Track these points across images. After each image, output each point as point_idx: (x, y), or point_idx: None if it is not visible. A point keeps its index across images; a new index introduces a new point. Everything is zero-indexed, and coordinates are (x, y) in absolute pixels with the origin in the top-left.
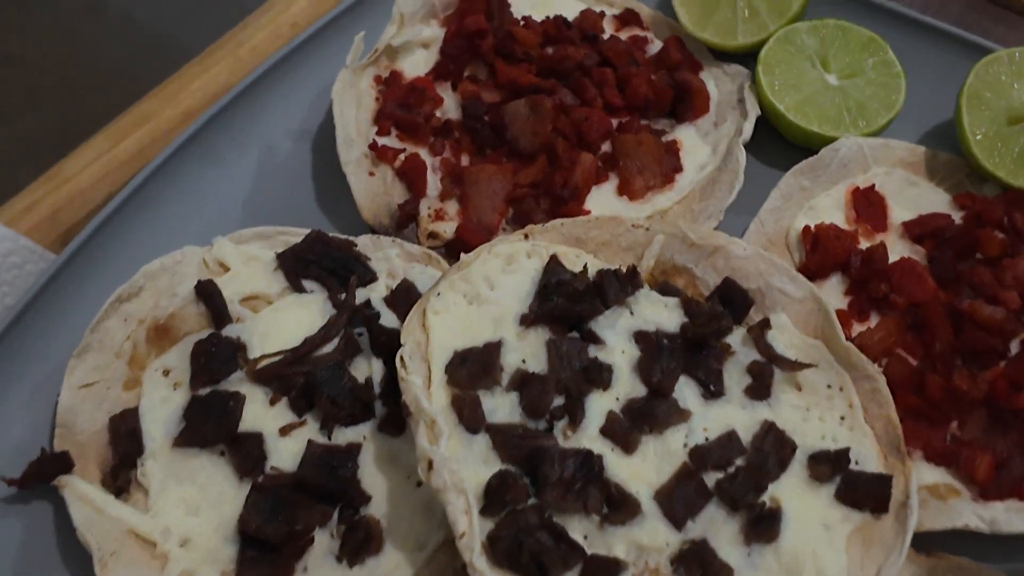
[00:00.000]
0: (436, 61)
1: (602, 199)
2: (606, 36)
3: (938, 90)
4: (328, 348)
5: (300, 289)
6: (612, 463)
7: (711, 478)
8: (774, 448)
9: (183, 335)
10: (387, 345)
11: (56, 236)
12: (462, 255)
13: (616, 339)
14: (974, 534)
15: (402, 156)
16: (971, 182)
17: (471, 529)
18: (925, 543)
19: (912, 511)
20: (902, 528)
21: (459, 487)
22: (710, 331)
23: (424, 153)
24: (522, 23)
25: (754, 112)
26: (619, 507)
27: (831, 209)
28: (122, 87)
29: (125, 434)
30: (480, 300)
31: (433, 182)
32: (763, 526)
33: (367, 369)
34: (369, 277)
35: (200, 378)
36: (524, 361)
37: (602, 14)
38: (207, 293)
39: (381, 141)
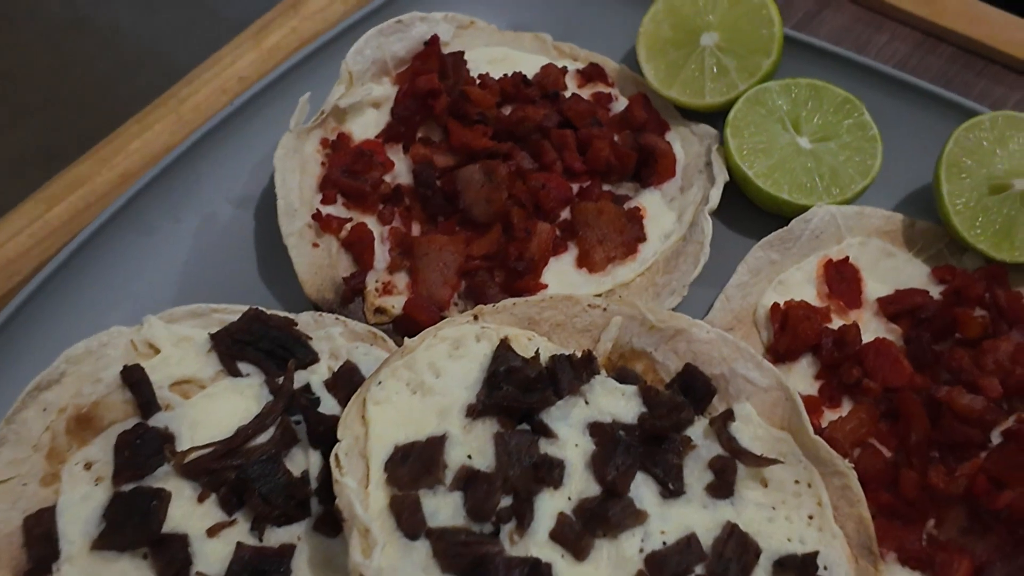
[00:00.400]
0: (387, 122)
1: (561, 271)
2: (568, 93)
3: (917, 153)
4: (263, 438)
5: (235, 373)
6: (562, 571)
7: None
8: (736, 553)
9: (107, 425)
10: (326, 435)
11: None
12: (406, 340)
13: (569, 432)
14: None
15: (348, 226)
16: (951, 252)
17: None
18: None
19: None
20: None
21: None
22: (669, 424)
23: (372, 222)
24: (478, 81)
25: (722, 178)
26: None
27: (802, 284)
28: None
29: (40, 536)
30: (424, 389)
31: (381, 253)
32: None
33: (305, 461)
34: (310, 359)
35: (123, 473)
36: (470, 457)
37: (564, 69)
38: (133, 379)
39: (326, 210)
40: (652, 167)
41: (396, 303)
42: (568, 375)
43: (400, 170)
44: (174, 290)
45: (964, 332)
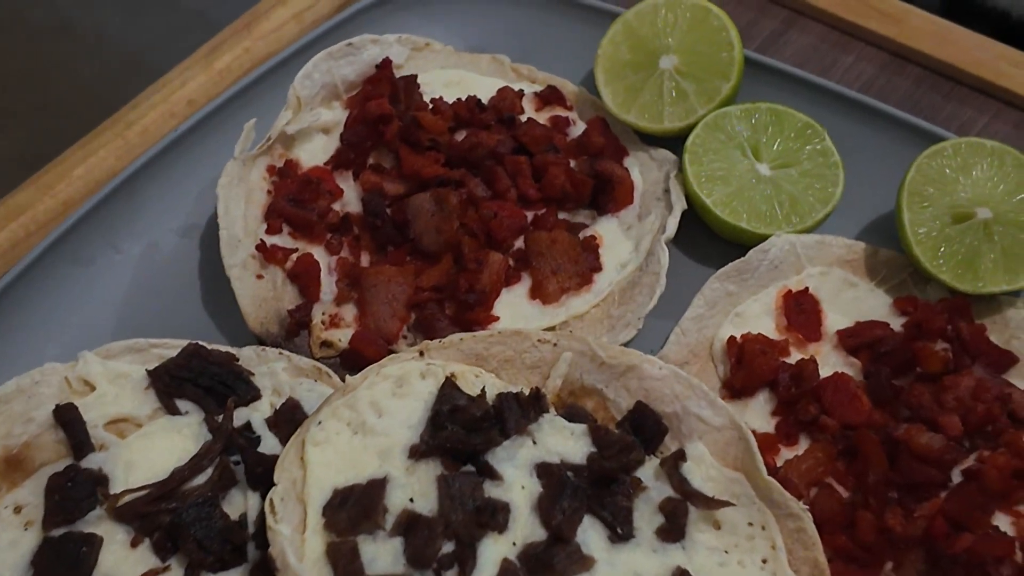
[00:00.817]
0: (337, 148)
1: (513, 303)
2: (525, 118)
3: (881, 179)
4: (200, 480)
5: (174, 410)
6: None
7: None
8: None
9: (39, 466)
10: (265, 476)
11: None
12: (348, 378)
13: (515, 473)
14: None
15: (294, 256)
16: (915, 282)
17: None
18: None
19: None
20: None
21: None
22: (619, 465)
23: (319, 252)
24: (431, 106)
25: (679, 206)
26: None
27: (760, 315)
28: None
29: None
30: (366, 430)
31: (328, 285)
32: None
33: (243, 504)
34: (251, 395)
35: (54, 517)
36: (412, 500)
37: (521, 93)
38: (66, 419)
39: (271, 240)
40: (609, 194)
41: (343, 336)
42: (515, 414)
43: (350, 198)
44: (113, 323)
45: (925, 367)
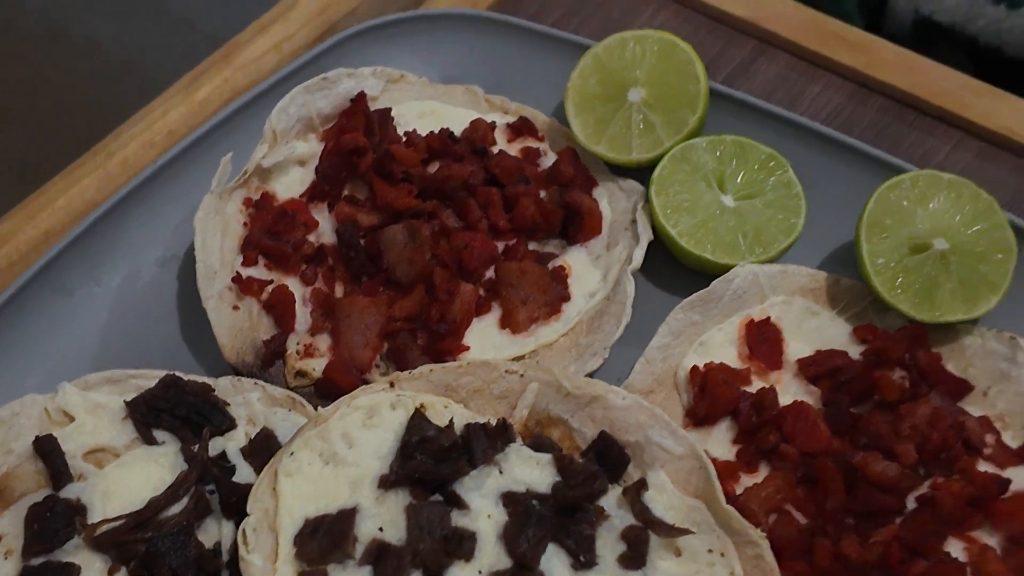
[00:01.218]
0: (312, 180)
1: (484, 332)
2: (497, 149)
3: (844, 209)
4: (176, 509)
5: (151, 441)
6: None
7: None
8: None
9: (18, 497)
10: (239, 505)
11: None
12: (320, 409)
13: (482, 502)
14: None
15: (270, 288)
16: (875, 311)
17: None
18: None
19: None
20: None
21: None
22: (583, 494)
23: (295, 283)
24: (405, 138)
25: (646, 237)
26: None
27: (723, 345)
28: None
29: None
30: (337, 460)
31: (303, 315)
32: None
33: (218, 533)
34: (227, 425)
35: (33, 546)
36: (381, 529)
37: (493, 124)
38: (45, 449)
39: (247, 272)
40: (578, 225)
41: (317, 366)
42: (483, 444)
43: (325, 229)
44: (93, 353)
45: (883, 395)
